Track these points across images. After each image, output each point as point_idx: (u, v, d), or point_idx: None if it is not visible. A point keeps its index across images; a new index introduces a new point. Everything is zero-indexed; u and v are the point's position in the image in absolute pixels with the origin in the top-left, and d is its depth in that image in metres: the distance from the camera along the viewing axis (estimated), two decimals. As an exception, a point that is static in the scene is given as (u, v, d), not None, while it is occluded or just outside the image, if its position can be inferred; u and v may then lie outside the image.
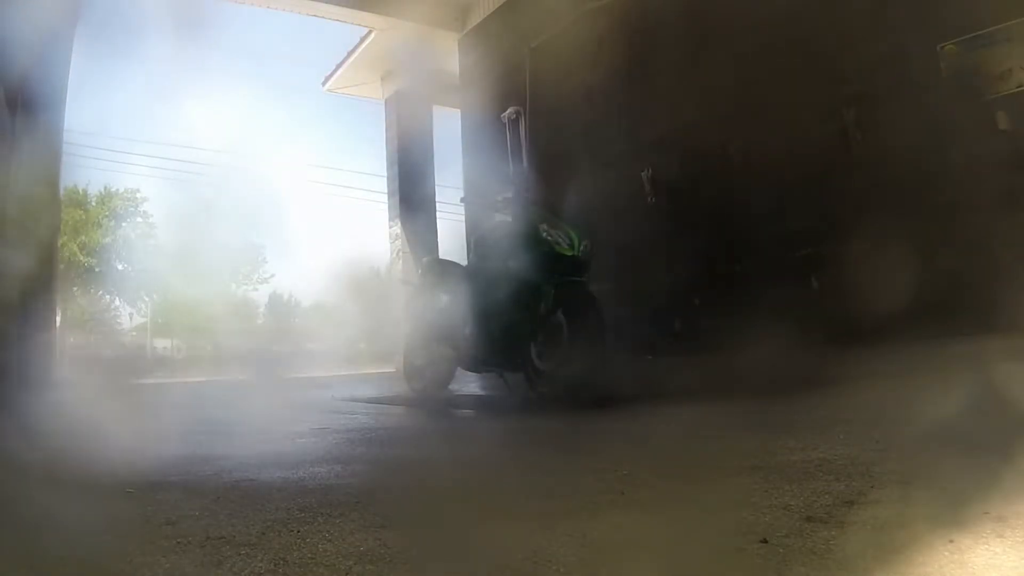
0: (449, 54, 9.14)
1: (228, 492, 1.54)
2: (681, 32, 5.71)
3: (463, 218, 8.49)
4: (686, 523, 1.18)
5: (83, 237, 21.68)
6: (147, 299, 24.52)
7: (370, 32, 9.77)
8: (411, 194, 10.48)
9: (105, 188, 23.16)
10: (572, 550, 1.01)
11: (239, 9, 9.16)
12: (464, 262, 4.59)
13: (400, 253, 10.35)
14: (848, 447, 1.63)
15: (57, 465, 2.02)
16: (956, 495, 1.13)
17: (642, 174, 6.08)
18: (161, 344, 30.67)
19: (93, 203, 22.94)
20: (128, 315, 26.55)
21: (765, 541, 0.98)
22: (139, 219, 23.67)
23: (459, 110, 9.17)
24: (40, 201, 5.70)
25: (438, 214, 10.77)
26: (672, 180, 5.91)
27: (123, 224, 23.32)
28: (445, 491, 1.54)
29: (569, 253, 3.51)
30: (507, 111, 7.77)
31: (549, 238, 3.53)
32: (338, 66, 10.93)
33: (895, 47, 4.34)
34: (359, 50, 10.27)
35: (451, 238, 9.80)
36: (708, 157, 5.53)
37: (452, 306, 4.30)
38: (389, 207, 10.88)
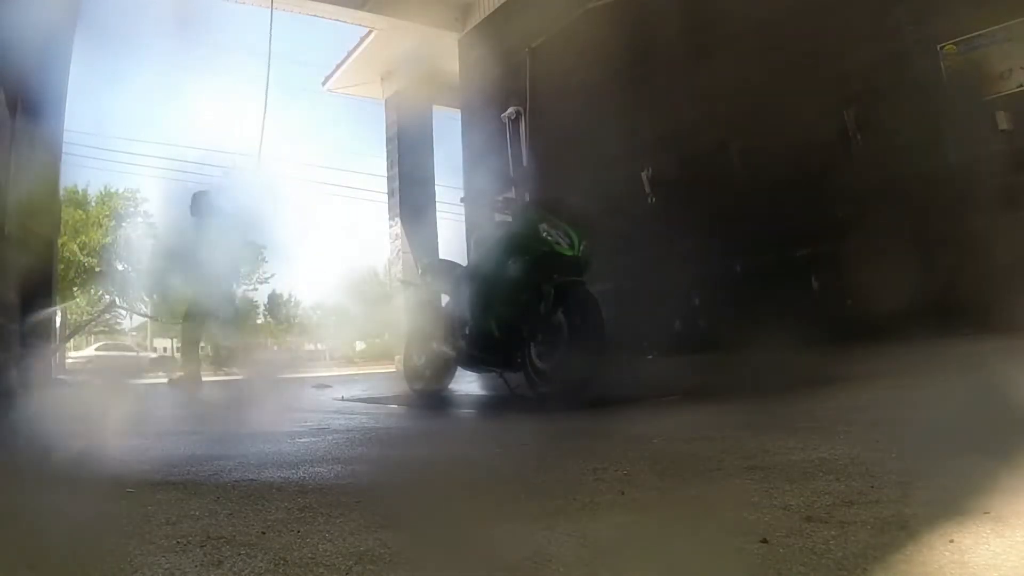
0: (449, 54, 9.14)
1: (228, 492, 1.54)
2: (681, 32, 5.72)
3: (463, 218, 8.50)
4: (686, 523, 1.18)
5: (83, 237, 21.65)
6: (147, 299, 24.50)
7: (370, 32, 9.77)
8: (411, 194, 10.49)
9: (105, 188, 23.16)
10: (572, 550, 1.01)
11: (239, 9, 9.15)
12: (464, 262, 4.59)
13: (400, 253, 10.36)
14: (848, 447, 1.63)
15: (57, 464, 2.02)
16: (956, 495, 1.13)
17: (642, 174, 6.08)
18: (161, 344, 30.67)
19: (93, 203, 22.92)
20: (128, 315, 26.55)
21: (765, 541, 0.98)
22: (139, 219, 23.65)
23: (459, 110, 9.17)
24: (40, 201, 5.70)
25: (438, 214, 10.78)
26: (672, 180, 5.91)
27: (123, 224, 23.28)
28: (445, 491, 1.54)
29: (569, 253, 3.51)
30: (507, 111, 7.77)
31: (549, 238, 3.53)
32: (338, 66, 10.94)
33: (895, 47, 4.34)
34: (359, 50, 10.27)
35: (451, 238, 9.80)
36: (708, 157, 5.54)
37: (452, 306, 4.30)
38: (389, 207, 10.89)
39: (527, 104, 7.49)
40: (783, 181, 4.70)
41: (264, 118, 7.14)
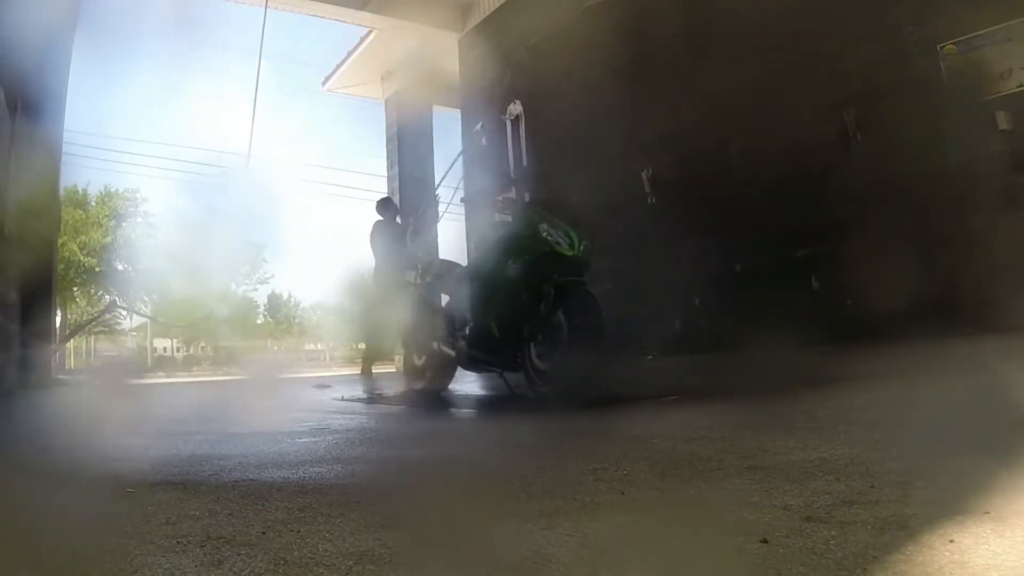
0: (449, 54, 9.15)
1: (228, 492, 1.54)
2: (681, 31, 5.72)
3: (463, 218, 8.50)
4: (686, 523, 1.18)
5: (83, 237, 21.63)
6: (147, 299, 24.48)
7: (370, 32, 9.77)
8: (411, 194, 10.49)
9: (105, 188, 23.14)
10: (572, 550, 1.01)
11: (239, 9, 9.16)
12: (464, 262, 4.59)
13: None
14: (848, 447, 1.63)
15: (57, 464, 2.02)
16: (956, 495, 1.13)
17: (642, 174, 6.08)
18: (161, 344, 30.69)
19: (93, 203, 22.90)
20: (128, 315, 26.51)
21: (765, 541, 0.98)
22: (139, 219, 23.62)
23: (459, 110, 9.18)
24: (40, 201, 5.70)
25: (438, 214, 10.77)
26: (672, 180, 5.91)
27: (123, 224, 23.26)
28: (445, 491, 1.54)
29: (569, 253, 3.51)
30: (508, 111, 7.78)
31: (549, 238, 3.53)
32: (338, 66, 10.95)
33: (895, 47, 4.34)
34: (359, 50, 10.28)
35: (451, 238, 9.80)
36: (708, 157, 5.54)
37: (452, 306, 4.30)
38: (389, 207, 10.88)
39: (527, 104, 7.49)
40: (783, 181, 4.70)
41: (254, 118, 7.14)
